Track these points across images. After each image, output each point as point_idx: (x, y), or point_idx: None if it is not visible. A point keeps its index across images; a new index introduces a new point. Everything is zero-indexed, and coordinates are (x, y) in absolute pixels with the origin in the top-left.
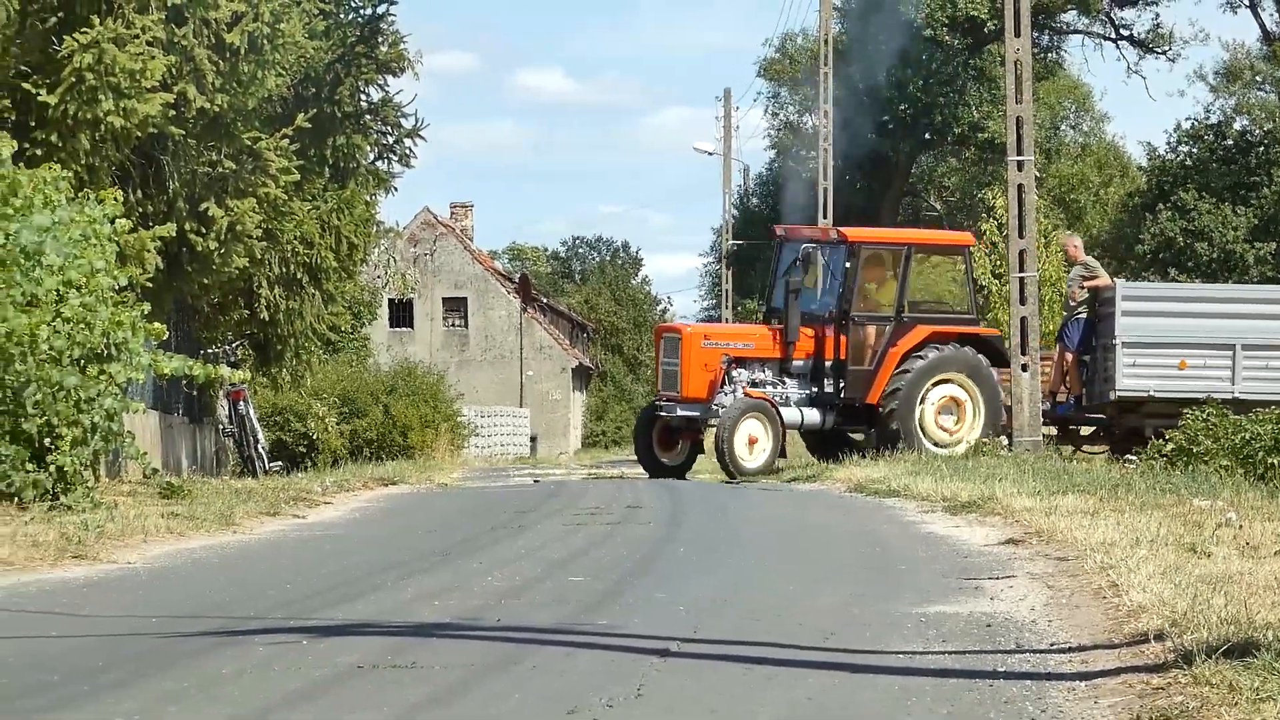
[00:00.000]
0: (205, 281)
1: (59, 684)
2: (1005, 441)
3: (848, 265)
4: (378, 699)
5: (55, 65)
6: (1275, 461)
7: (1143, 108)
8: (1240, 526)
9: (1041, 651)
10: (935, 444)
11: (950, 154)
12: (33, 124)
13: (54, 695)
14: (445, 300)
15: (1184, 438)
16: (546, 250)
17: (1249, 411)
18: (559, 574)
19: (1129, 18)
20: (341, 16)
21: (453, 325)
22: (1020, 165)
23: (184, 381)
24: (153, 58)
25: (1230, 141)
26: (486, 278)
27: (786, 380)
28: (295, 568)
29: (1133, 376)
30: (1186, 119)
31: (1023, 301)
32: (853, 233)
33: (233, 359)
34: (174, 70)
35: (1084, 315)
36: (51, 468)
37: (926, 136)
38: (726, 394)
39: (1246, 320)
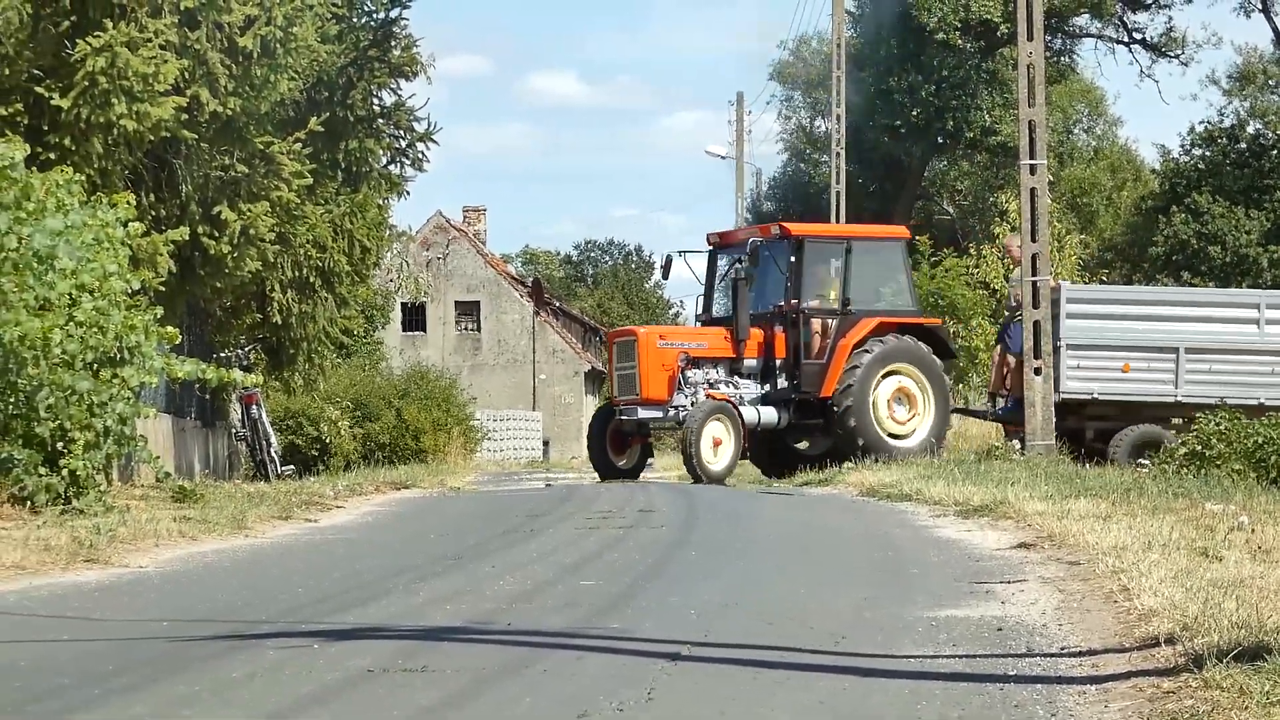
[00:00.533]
0: (218, 285)
1: (70, 687)
2: (1018, 445)
3: (793, 259)
4: (389, 702)
5: (68, 69)
6: None
7: (1155, 111)
8: (1253, 530)
9: (1052, 655)
10: (890, 435)
11: (963, 158)
12: (45, 128)
13: (65, 699)
14: (458, 304)
15: (1197, 442)
16: (559, 254)
17: (1190, 415)
18: (570, 578)
19: (1142, 21)
20: (354, 20)
21: (465, 329)
22: (1033, 169)
23: (196, 385)
24: (165, 61)
25: (1244, 145)
26: (499, 281)
27: (738, 380)
28: (307, 571)
29: (1077, 379)
30: (1200, 122)
31: (1035, 305)
32: (795, 227)
33: (245, 363)
34: (187, 74)
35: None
36: (64, 471)
37: (939, 140)
38: (685, 395)
39: (1190, 324)
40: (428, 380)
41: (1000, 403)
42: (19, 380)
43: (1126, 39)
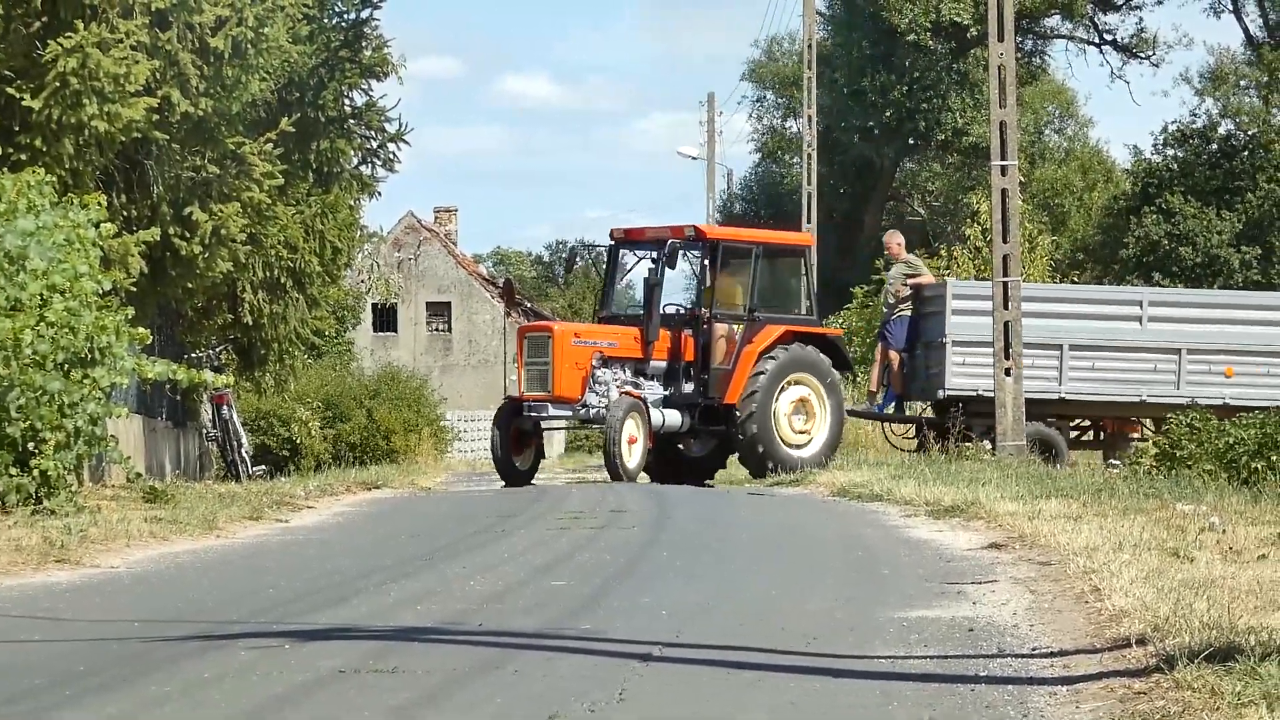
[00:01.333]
0: (189, 286)
1: (42, 688)
2: (988, 445)
3: (705, 263)
4: (360, 703)
5: (39, 69)
6: (1259, 466)
7: (1127, 112)
8: (1223, 531)
9: (1023, 656)
10: (788, 445)
11: (934, 159)
12: (16, 128)
13: (38, 700)
14: (429, 304)
15: (1168, 442)
16: (531, 255)
17: (1074, 412)
18: (542, 578)
19: (1112, 22)
20: (325, 21)
21: (436, 329)
22: (1004, 170)
23: (168, 386)
24: (137, 62)
25: (1215, 145)
26: (470, 282)
27: (642, 381)
28: (278, 572)
29: (961, 375)
30: (1172, 122)
31: (1006, 306)
32: (711, 230)
33: (216, 363)
34: (158, 74)
35: (907, 313)
36: (35, 472)
37: (911, 141)
38: (597, 394)
39: (1073, 320)
40: (399, 381)
41: (880, 400)
42: None
43: (1097, 40)
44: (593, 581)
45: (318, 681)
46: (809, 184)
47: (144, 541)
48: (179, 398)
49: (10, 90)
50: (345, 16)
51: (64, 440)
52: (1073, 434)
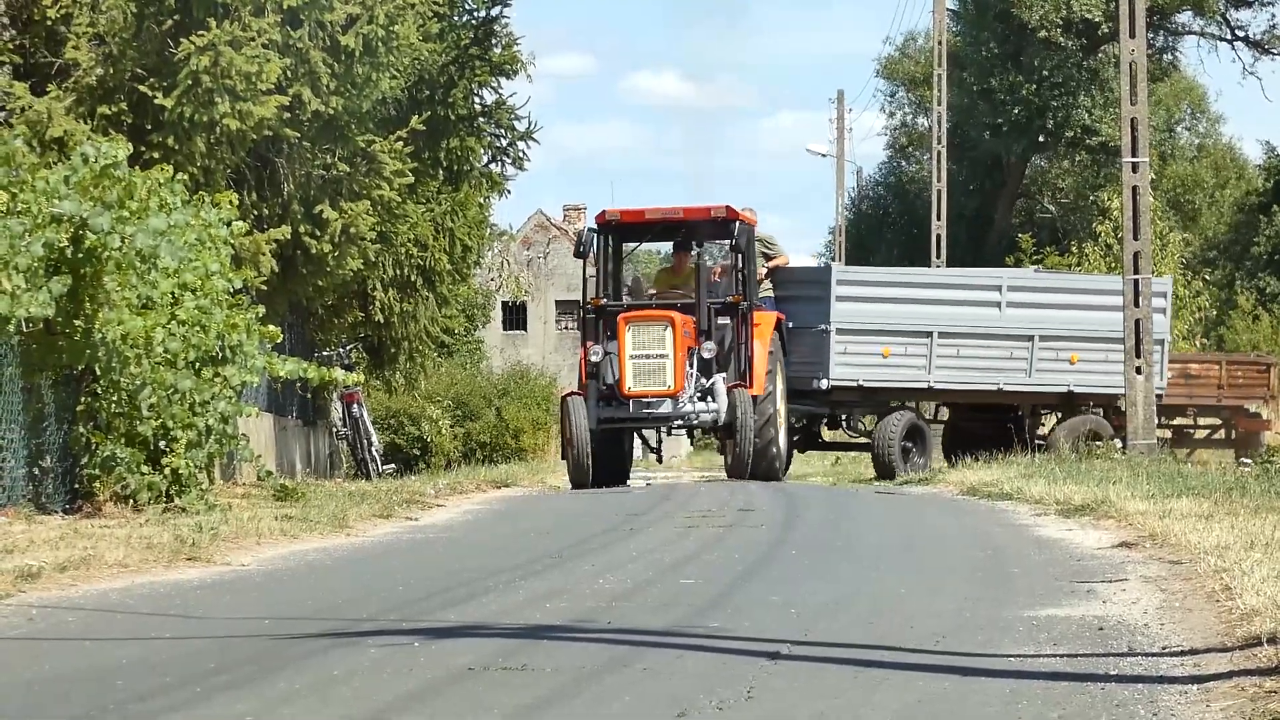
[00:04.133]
0: (320, 284)
1: (172, 686)
2: (1119, 444)
3: (736, 247)
4: (489, 701)
5: (171, 68)
6: None
7: (1259, 109)
8: None
9: (1153, 655)
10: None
11: (1064, 156)
12: (149, 127)
13: (168, 697)
14: (558, 303)
15: None
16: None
17: (943, 402)
18: (670, 577)
19: (1244, 19)
20: (455, 19)
21: (566, 328)
22: (1135, 167)
23: (298, 384)
24: (268, 60)
25: None
26: None
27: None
28: (407, 570)
29: (844, 365)
30: None
31: (1137, 304)
32: (734, 213)
33: (347, 362)
34: (289, 73)
35: (770, 295)
36: (166, 470)
37: (1040, 139)
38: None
39: (943, 306)
40: (528, 379)
41: None
42: (121, 379)
43: (1229, 36)
44: (721, 580)
45: (447, 679)
46: (938, 181)
47: (274, 539)
48: (309, 396)
49: (143, 89)
50: (475, 14)
51: (195, 438)
52: (1201, 432)
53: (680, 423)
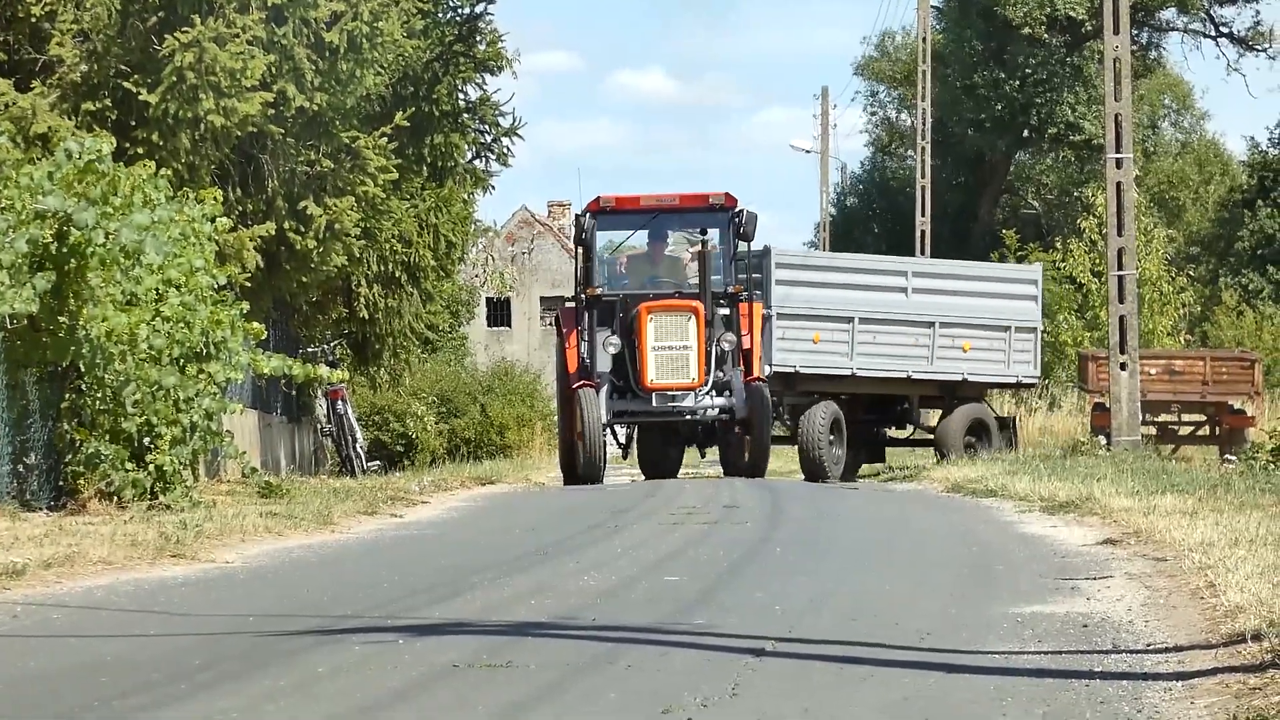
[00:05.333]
0: (304, 280)
1: (157, 682)
2: (1104, 441)
3: (734, 234)
4: (474, 698)
5: (156, 64)
6: None
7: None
8: None
9: (1138, 652)
10: None
11: (1048, 152)
12: (133, 123)
13: (152, 694)
14: (543, 299)
15: None
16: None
17: (864, 390)
18: (655, 574)
19: (1229, 15)
20: (440, 15)
21: (550, 324)
22: (1119, 163)
23: (282, 380)
24: (253, 57)
25: None
26: None
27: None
28: (392, 567)
29: (782, 350)
30: None
31: (1121, 300)
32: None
33: (331, 358)
34: (274, 69)
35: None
36: (150, 467)
37: (1024, 135)
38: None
39: (861, 291)
40: (512, 376)
41: None
42: (106, 375)
43: (1213, 32)
44: (706, 577)
45: (432, 676)
46: (923, 177)
47: (259, 536)
48: (294, 392)
49: (127, 85)
50: (459, 11)
51: (179, 435)
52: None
53: (695, 417)
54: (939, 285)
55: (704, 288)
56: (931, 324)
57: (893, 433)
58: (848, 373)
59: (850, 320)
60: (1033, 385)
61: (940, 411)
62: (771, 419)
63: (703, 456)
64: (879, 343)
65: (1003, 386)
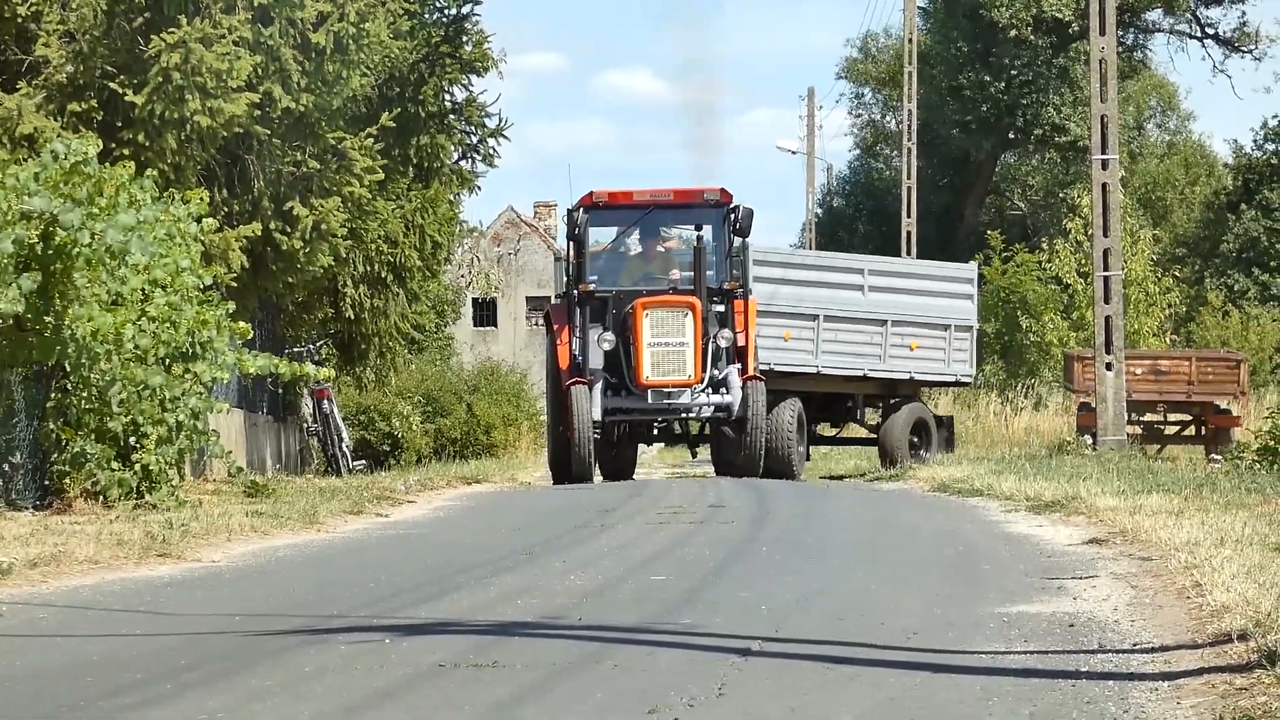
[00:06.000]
0: (290, 280)
1: (144, 682)
2: (1089, 440)
3: (730, 230)
4: (460, 698)
5: (142, 65)
6: None
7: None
8: None
9: (1124, 651)
10: None
11: (1034, 153)
12: (119, 124)
13: (139, 693)
14: (529, 299)
15: (1270, 437)
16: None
17: (823, 388)
18: (641, 573)
19: (1215, 16)
20: (426, 16)
21: (536, 324)
22: (1105, 164)
23: (269, 380)
24: (239, 57)
25: None
26: None
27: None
28: (378, 566)
29: (759, 349)
30: (1273, 116)
31: (1107, 300)
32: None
33: (317, 358)
34: (260, 70)
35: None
36: (137, 466)
37: (1010, 136)
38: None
39: (825, 289)
40: (498, 376)
41: None
42: (92, 375)
43: (1199, 34)
44: (692, 576)
45: (418, 676)
46: (908, 178)
47: (245, 536)
48: (280, 392)
49: (113, 86)
50: (446, 12)
51: (165, 435)
52: (1172, 429)
53: (691, 415)
54: (891, 283)
55: (699, 284)
56: (885, 322)
57: (829, 431)
58: (814, 370)
59: (816, 318)
60: (968, 384)
61: (877, 410)
62: (767, 416)
63: (693, 456)
64: (839, 340)
65: (944, 385)
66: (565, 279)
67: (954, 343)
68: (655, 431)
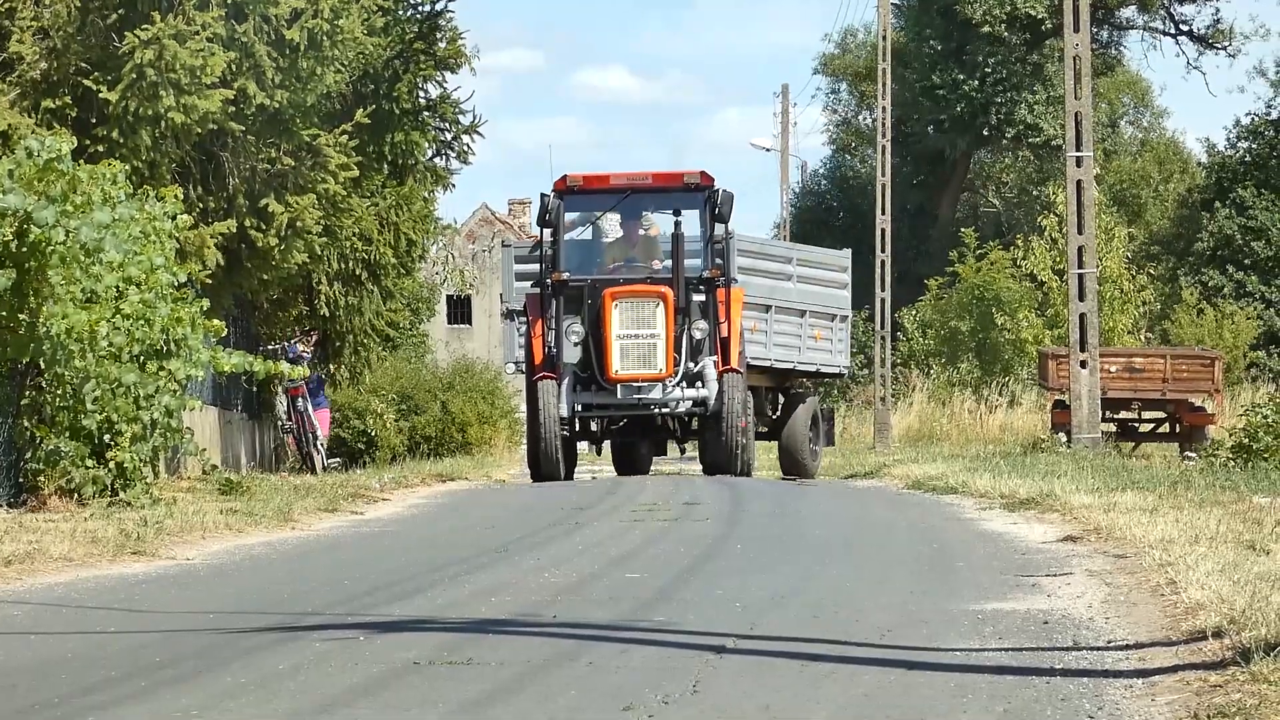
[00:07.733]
0: (265, 278)
1: (117, 680)
2: (1064, 438)
3: (711, 216)
4: (435, 695)
5: (116, 62)
6: None
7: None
8: None
9: (1099, 649)
10: None
11: (1007, 151)
12: (94, 121)
13: (112, 691)
14: (503, 296)
15: (1244, 434)
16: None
17: (766, 382)
18: (616, 571)
19: (1188, 13)
20: (400, 13)
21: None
22: (1079, 161)
23: (243, 378)
24: (213, 54)
25: None
26: None
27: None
28: (353, 564)
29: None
30: (1246, 114)
31: (1081, 297)
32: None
33: (308, 354)
34: (234, 66)
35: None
36: (111, 464)
37: (984, 133)
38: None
39: (769, 279)
40: (473, 373)
41: None
42: (66, 373)
43: (1173, 31)
44: (667, 574)
45: (392, 673)
46: (883, 175)
47: (219, 533)
48: (254, 389)
49: (87, 82)
50: (420, 9)
51: (140, 432)
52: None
53: (666, 410)
54: (808, 273)
55: (677, 273)
56: (804, 312)
57: None
58: (767, 364)
59: (767, 309)
60: (843, 375)
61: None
62: (748, 411)
63: (682, 453)
64: (778, 332)
65: (834, 376)
66: (514, 268)
67: (837, 333)
68: (623, 424)
